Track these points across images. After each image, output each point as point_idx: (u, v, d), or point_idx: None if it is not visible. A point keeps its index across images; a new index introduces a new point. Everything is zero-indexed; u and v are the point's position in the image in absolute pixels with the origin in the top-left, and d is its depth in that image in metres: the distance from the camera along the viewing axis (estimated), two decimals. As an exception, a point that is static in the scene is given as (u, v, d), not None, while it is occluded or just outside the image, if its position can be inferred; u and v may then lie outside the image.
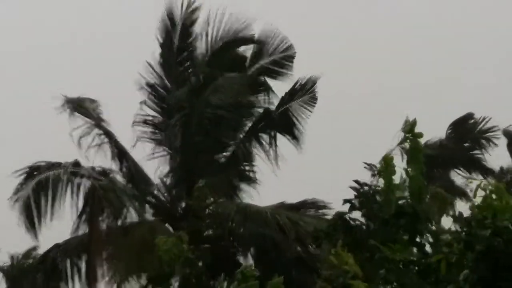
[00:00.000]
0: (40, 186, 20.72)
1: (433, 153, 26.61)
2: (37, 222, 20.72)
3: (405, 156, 12.36)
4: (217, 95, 22.46)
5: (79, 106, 22.46)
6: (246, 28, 23.76)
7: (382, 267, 11.75)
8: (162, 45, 23.89)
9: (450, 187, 26.17)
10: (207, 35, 23.87)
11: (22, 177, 20.99)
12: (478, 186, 10.61)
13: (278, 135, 23.82)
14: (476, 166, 27.80)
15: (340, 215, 12.65)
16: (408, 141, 12.21)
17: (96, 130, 22.70)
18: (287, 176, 23.99)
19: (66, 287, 21.94)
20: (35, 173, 20.97)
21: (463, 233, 10.76)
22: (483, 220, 10.52)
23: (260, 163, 23.44)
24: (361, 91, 41.55)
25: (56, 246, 22.06)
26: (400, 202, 12.14)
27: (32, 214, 20.58)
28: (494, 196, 10.50)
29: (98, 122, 22.73)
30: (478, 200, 10.59)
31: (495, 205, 10.48)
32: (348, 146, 36.40)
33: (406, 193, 12.12)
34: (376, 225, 12.16)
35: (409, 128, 12.23)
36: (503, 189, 10.55)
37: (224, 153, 23.56)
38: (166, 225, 22.24)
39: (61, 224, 20.98)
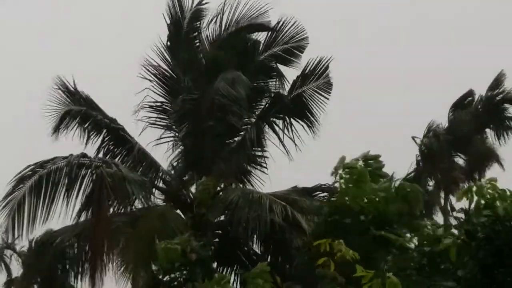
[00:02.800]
0: (39, 183, 20.64)
1: (435, 140, 26.53)
2: (25, 224, 20.62)
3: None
4: (227, 86, 22.25)
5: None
6: (262, 15, 23.64)
7: (387, 253, 11.75)
8: (170, 28, 23.73)
9: (456, 173, 25.99)
10: (220, 20, 23.75)
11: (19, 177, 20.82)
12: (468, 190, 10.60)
13: (293, 121, 23.65)
14: (478, 151, 27.33)
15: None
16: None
17: (100, 117, 22.77)
18: (302, 160, 23.84)
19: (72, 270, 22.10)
20: (37, 169, 20.86)
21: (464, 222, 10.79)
22: (482, 209, 10.53)
23: (273, 148, 23.37)
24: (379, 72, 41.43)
25: (65, 228, 22.07)
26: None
27: (21, 216, 20.48)
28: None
29: (100, 110, 22.80)
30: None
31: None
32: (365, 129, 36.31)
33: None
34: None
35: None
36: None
37: (235, 138, 23.40)
38: (177, 211, 22.20)
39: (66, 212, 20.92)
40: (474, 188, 10.60)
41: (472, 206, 10.90)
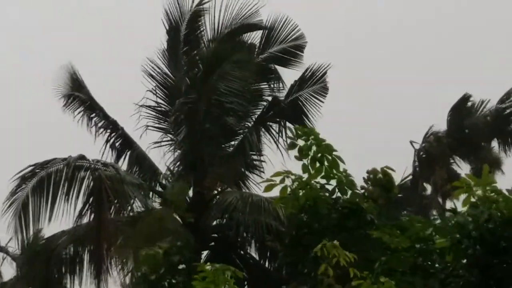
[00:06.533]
0: (41, 184, 20.78)
1: (437, 144, 26.63)
2: (31, 225, 20.78)
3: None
4: (224, 82, 22.44)
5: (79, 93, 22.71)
6: (255, 14, 23.69)
7: (382, 255, 11.78)
8: (168, 32, 23.86)
9: (455, 178, 26.00)
10: (213, 22, 23.81)
11: (20, 177, 20.96)
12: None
13: (288, 125, 23.76)
14: (478, 156, 27.45)
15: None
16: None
17: (101, 118, 22.95)
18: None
19: (70, 275, 22.18)
20: (37, 171, 21.01)
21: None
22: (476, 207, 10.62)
23: (270, 152, 23.45)
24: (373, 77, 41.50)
25: (63, 232, 22.18)
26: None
27: (27, 216, 20.63)
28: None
29: (101, 110, 22.95)
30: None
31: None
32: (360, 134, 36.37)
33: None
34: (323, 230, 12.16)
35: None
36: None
37: (232, 142, 23.50)
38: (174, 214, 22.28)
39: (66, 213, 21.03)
40: (474, 188, 10.67)
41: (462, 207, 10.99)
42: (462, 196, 10.83)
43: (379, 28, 43.87)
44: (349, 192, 12.25)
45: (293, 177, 11.95)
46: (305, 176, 11.98)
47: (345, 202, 12.23)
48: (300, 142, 11.88)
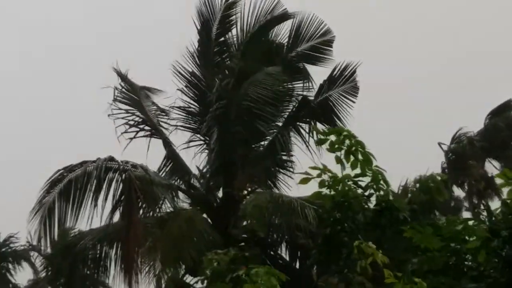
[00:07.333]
0: (69, 186, 20.77)
1: (470, 147, 26.49)
2: (55, 226, 20.77)
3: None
4: (256, 89, 22.32)
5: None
6: (278, 5, 23.50)
7: (414, 256, 11.66)
8: (200, 33, 23.82)
9: (486, 178, 25.89)
10: (242, 20, 23.72)
11: (50, 182, 20.97)
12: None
13: (318, 125, 23.61)
14: (507, 154, 27.27)
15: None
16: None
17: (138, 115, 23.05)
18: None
19: (97, 273, 22.24)
20: (65, 174, 21.01)
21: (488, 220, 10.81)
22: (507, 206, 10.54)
23: (299, 152, 23.35)
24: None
25: (91, 231, 22.20)
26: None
27: (53, 218, 20.64)
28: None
29: (139, 105, 23.06)
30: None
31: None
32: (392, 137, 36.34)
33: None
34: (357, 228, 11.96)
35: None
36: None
37: (262, 143, 23.41)
38: (204, 215, 22.28)
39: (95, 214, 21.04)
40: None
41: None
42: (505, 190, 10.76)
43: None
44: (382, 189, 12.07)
45: (329, 174, 11.77)
46: (339, 169, 11.71)
47: (379, 199, 12.06)
48: (332, 137, 11.66)
